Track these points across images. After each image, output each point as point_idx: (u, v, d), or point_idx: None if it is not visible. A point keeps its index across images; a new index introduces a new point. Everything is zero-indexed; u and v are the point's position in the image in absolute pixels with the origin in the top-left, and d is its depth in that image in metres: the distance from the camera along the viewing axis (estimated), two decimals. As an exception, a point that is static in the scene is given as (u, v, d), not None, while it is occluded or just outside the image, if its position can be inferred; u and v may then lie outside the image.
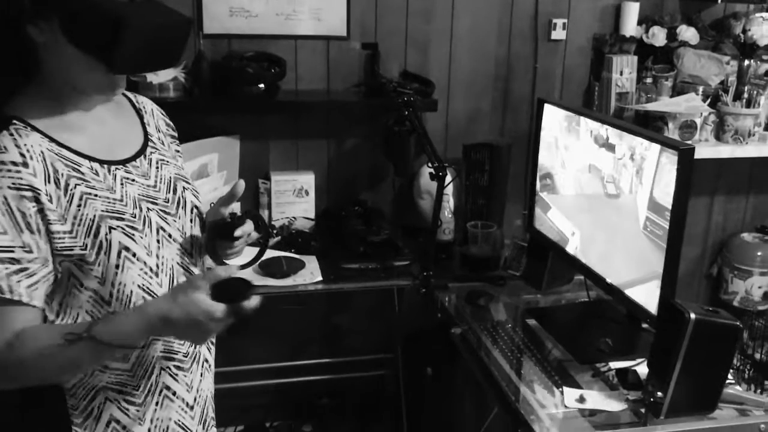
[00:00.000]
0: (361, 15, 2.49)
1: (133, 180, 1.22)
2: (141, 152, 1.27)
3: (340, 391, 2.72)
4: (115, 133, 1.25)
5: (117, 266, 1.16)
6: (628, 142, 1.72)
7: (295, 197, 2.52)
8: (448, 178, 2.19)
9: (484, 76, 2.64)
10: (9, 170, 1.06)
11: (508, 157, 2.55)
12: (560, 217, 2.06)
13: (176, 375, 1.26)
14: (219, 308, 1.05)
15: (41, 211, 1.08)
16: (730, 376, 1.57)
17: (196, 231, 1.32)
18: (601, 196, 1.85)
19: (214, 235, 1.31)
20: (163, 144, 1.34)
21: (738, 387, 1.67)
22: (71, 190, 1.12)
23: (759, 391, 1.69)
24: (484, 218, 2.47)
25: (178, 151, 1.41)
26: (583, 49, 2.69)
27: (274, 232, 2.45)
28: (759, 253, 2.79)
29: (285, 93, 2.43)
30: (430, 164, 2.16)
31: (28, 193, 1.07)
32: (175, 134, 1.42)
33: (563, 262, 2.09)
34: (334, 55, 2.51)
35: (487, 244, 2.37)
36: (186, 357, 1.27)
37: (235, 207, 1.39)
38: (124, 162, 1.23)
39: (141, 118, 1.33)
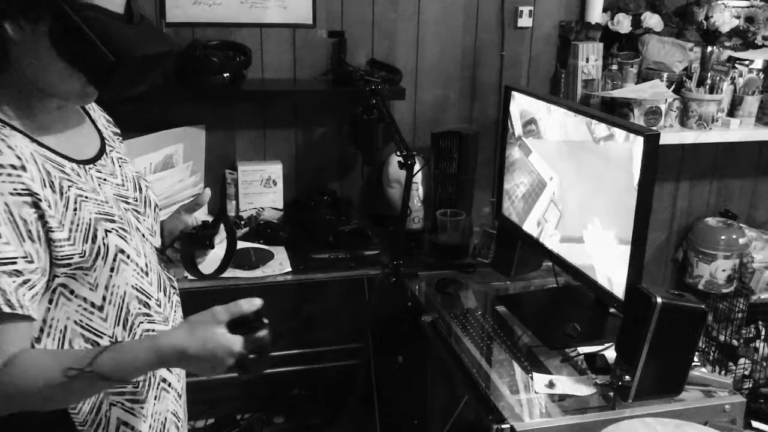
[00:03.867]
0: (327, 2, 2.46)
1: (105, 180, 1.19)
2: (102, 150, 1.23)
3: (312, 381, 2.71)
4: (77, 132, 1.20)
5: (112, 269, 1.12)
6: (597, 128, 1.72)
7: (262, 187, 2.50)
8: (417, 167, 2.18)
9: (451, 63, 2.64)
10: (9, 174, 1.00)
11: (476, 144, 2.55)
12: (540, 161, 2.02)
13: (133, 408, 1.22)
14: (237, 342, 0.99)
15: (41, 217, 1.03)
16: (696, 359, 1.59)
17: (158, 229, 1.30)
18: (588, 141, 1.79)
19: (190, 245, 1.27)
20: (113, 141, 1.30)
21: (703, 369, 1.70)
22: (66, 193, 1.07)
23: (724, 372, 1.72)
24: (453, 206, 2.47)
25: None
26: (550, 37, 2.69)
27: (242, 223, 2.42)
28: (723, 237, 2.83)
29: (251, 82, 2.40)
30: (398, 153, 2.15)
31: (29, 199, 1.01)
32: (118, 130, 1.35)
33: (531, 249, 2.10)
34: (300, 44, 2.48)
35: (456, 232, 2.37)
36: None
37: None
38: (93, 161, 1.18)
39: (88, 114, 1.27)
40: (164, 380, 1.24)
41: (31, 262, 1.02)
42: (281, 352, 2.67)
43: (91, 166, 1.17)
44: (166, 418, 1.25)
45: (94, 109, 1.30)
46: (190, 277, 1.33)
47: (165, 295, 1.26)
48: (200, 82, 2.28)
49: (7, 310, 0.98)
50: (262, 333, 1.01)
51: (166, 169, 2.34)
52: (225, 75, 2.29)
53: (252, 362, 1.01)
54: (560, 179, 1.93)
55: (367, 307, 2.37)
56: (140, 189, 1.26)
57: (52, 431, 1.13)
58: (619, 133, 1.65)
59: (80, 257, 1.07)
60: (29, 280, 1.02)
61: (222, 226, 1.28)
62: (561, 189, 1.93)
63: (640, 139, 1.56)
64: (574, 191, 1.87)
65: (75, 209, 1.07)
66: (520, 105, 2.07)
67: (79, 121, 1.22)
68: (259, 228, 2.38)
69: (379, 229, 2.45)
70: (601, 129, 1.72)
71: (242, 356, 0.99)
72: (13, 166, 1.00)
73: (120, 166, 1.25)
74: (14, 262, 1.00)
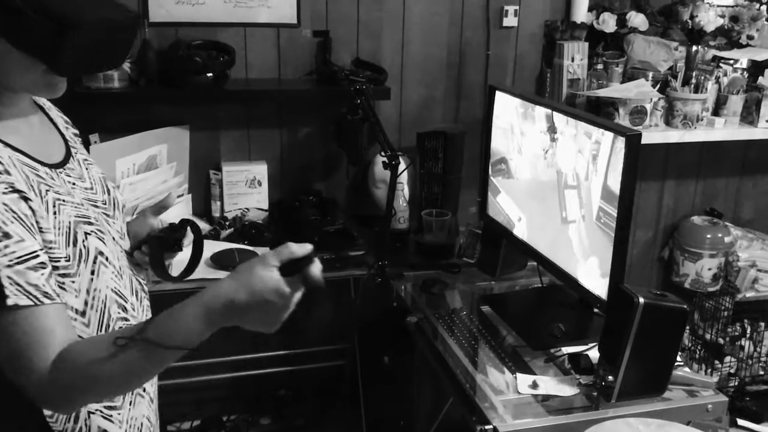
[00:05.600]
0: (312, 2, 2.45)
1: (74, 183, 1.16)
2: (68, 154, 1.20)
3: (298, 382, 2.70)
4: (43, 135, 1.17)
5: (93, 272, 1.09)
6: (584, 129, 1.72)
7: (247, 188, 2.48)
8: (402, 167, 2.17)
9: (436, 63, 2.63)
10: None
11: (461, 144, 2.55)
12: (509, 202, 2.06)
13: (111, 416, 1.20)
14: (284, 282, 0.92)
15: (34, 214, 1.01)
16: (679, 358, 1.59)
17: (125, 231, 1.29)
18: (555, 183, 1.85)
19: (158, 248, 1.25)
20: (76, 143, 1.27)
21: (686, 369, 1.70)
22: (45, 197, 1.04)
23: (710, 370, 1.73)
24: (439, 206, 2.47)
25: None
26: (535, 36, 2.69)
27: (227, 224, 2.41)
28: (708, 236, 2.84)
29: (235, 82, 2.39)
30: (383, 153, 2.15)
31: (20, 195, 0.99)
32: (77, 131, 1.30)
33: (516, 249, 2.09)
34: (284, 43, 2.47)
35: (441, 232, 2.37)
36: None
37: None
38: (62, 164, 1.16)
39: (47, 115, 1.23)
40: None
41: (45, 251, 1.01)
42: (267, 353, 2.66)
43: (62, 169, 1.15)
44: (142, 424, 1.24)
45: (52, 109, 1.26)
46: (156, 279, 1.31)
47: (137, 299, 1.24)
48: (184, 82, 2.27)
49: (47, 301, 0.97)
50: (314, 269, 0.93)
51: (149, 170, 2.32)
52: (209, 75, 2.27)
53: (306, 300, 0.95)
54: (527, 220, 1.98)
55: (352, 307, 2.37)
56: (108, 191, 1.24)
57: None
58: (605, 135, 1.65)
59: (65, 261, 1.05)
60: (53, 267, 1.01)
61: (189, 228, 1.27)
62: (529, 229, 1.98)
63: (601, 177, 1.58)
64: (542, 232, 1.91)
65: (55, 213, 1.05)
66: (494, 143, 2.11)
67: (42, 124, 1.19)
68: (243, 229, 2.37)
69: (365, 230, 2.44)
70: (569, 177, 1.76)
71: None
72: None
73: (86, 169, 1.22)
74: (36, 256, 0.98)
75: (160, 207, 1.30)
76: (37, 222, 1.01)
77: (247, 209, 2.48)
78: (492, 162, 2.14)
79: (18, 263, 0.96)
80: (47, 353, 0.96)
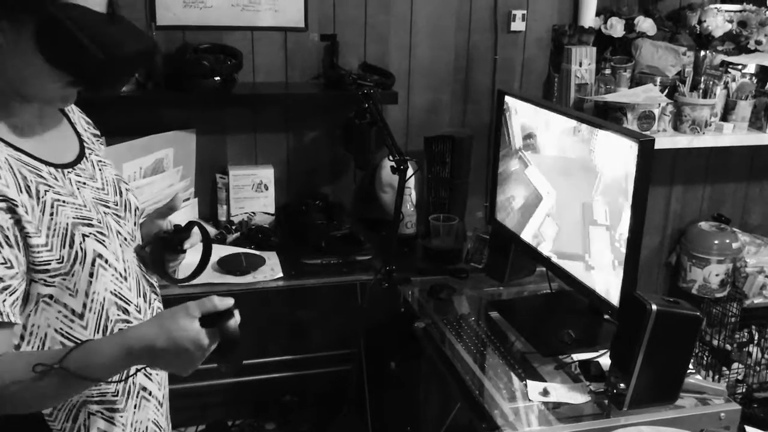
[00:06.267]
0: (320, 5, 2.44)
1: (85, 183, 1.17)
2: (82, 154, 1.21)
3: (304, 387, 2.69)
4: (56, 135, 1.18)
5: (91, 275, 1.10)
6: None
7: (254, 192, 2.47)
8: (410, 171, 2.16)
9: (444, 67, 2.62)
10: None
11: (469, 149, 2.54)
12: (538, 175, 1.99)
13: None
14: (204, 333, 0.97)
15: (18, 222, 1.01)
16: (690, 366, 1.57)
17: (138, 233, 1.29)
18: (584, 160, 1.76)
19: (161, 250, 1.26)
20: (93, 144, 1.28)
21: (698, 376, 1.68)
22: (42, 198, 1.05)
23: (717, 377, 1.71)
24: (447, 211, 2.45)
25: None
26: (543, 41, 2.68)
27: (233, 227, 2.40)
28: (716, 242, 2.83)
29: (242, 86, 2.38)
30: (391, 157, 2.14)
31: (4, 205, 0.99)
32: (98, 132, 1.33)
33: (525, 254, 2.08)
34: (292, 47, 2.46)
35: (449, 237, 2.36)
36: None
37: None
38: (72, 165, 1.17)
39: (67, 117, 1.25)
40: (144, 389, 1.22)
41: (11, 267, 1.00)
42: (273, 358, 2.65)
43: (70, 170, 1.15)
44: (147, 427, 1.23)
45: (74, 111, 1.28)
46: (167, 282, 1.31)
47: (145, 300, 1.24)
48: (191, 86, 2.26)
49: None
50: (232, 323, 0.99)
51: (156, 173, 2.31)
52: (216, 78, 2.27)
53: (221, 352, 1.00)
54: (557, 194, 1.91)
55: (359, 313, 2.36)
56: (120, 192, 1.25)
57: None
58: (616, 139, 1.64)
59: (58, 263, 1.05)
60: (9, 285, 1.00)
61: (196, 230, 1.27)
62: (557, 205, 1.91)
63: (634, 146, 1.55)
64: (569, 205, 1.85)
65: (52, 214, 1.05)
66: (521, 118, 2.06)
67: (57, 124, 1.20)
68: (250, 233, 2.36)
69: (372, 234, 2.43)
70: (598, 139, 1.71)
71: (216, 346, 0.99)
72: None
73: (100, 170, 1.23)
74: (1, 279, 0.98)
75: (167, 209, 1.31)
76: (22, 229, 1.01)
77: (254, 213, 2.47)
78: (523, 135, 2.06)
79: None
80: None
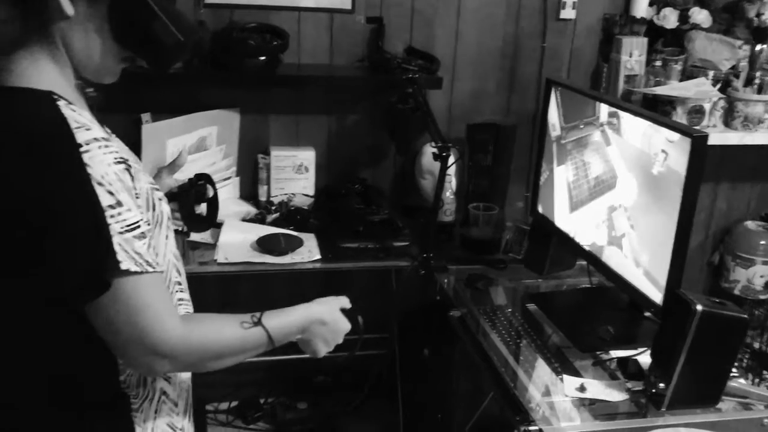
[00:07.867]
0: (367, -13, 2.43)
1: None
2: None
3: (337, 369, 2.70)
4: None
5: (166, 237, 1.16)
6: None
7: (294, 173, 2.48)
8: (451, 159, 2.14)
9: (490, 54, 2.58)
10: (106, 146, 0.99)
11: (512, 137, 2.50)
12: (619, 159, 1.80)
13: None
14: (349, 325, 1.30)
15: (134, 185, 1.04)
16: (734, 370, 1.54)
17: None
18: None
19: (188, 202, 1.40)
20: None
21: (741, 380, 1.65)
22: (127, 165, 1.05)
23: (758, 381, 1.67)
24: (486, 200, 2.43)
25: None
26: (593, 30, 2.63)
27: (273, 208, 2.41)
28: (762, 242, 2.75)
29: (287, 66, 2.37)
30: (433, 144, 2.12)
31: (123, 166, 1.01)
32: None
33: (565, 247, 2.05)
34: (337, 29, 2.45)
35: (488, 226, 2.33)
36: None
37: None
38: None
39: None
40: (165, 393, 1.21)
41: (147, 223, 1.05)
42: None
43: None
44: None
45: None
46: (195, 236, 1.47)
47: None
48: (236, 65, 2.26)
49: (150, 270, 1.02)
50: (360, 319, 1.35)
51: (199, 151, 2.33)
52: (261, 58, 2.27)
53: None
54: (638, 194, 1.74)
55: (393, 298, 2.35)
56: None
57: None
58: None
59: (147, 225, 1.05)
60: (147, 236, 1.04)
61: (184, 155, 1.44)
62: (635, 206, 1.75)
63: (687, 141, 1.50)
64: (653, 215, 1.68)
65: (134, 179, 1.06)
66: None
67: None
68: (289, 214, 2.36)
69: (410, 221, 2.41)
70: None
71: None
72: (105, 138, 1.00)
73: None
74: (139, 226, 1.01)
75: (175, 166, 1.42)
76: (134, 188, 1.05)
77: (293, 194, 2.47)
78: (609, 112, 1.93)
79: (127, 231, 0.99)
80: (174, 310, 1.07)
